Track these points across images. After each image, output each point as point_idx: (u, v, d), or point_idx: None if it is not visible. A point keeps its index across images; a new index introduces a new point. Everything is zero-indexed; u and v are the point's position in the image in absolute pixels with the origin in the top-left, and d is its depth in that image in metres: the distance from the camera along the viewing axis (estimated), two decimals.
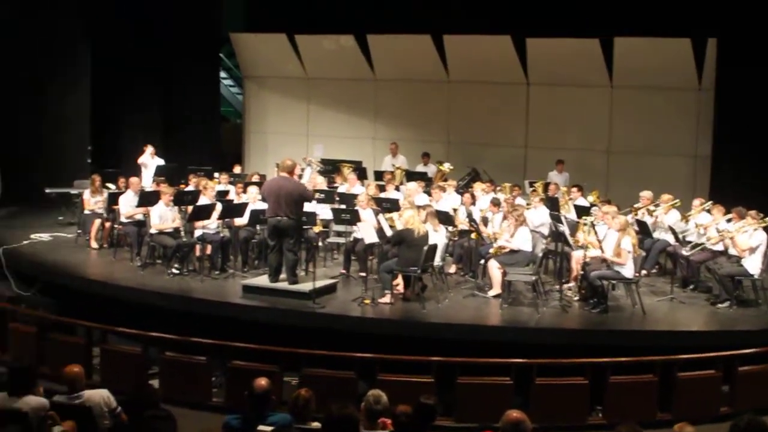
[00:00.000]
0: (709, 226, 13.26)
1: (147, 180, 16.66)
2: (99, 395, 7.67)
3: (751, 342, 10.76)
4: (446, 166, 17.71)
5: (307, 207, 12.69)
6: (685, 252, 13.19)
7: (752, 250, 12.21)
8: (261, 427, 6.56)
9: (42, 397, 7.34)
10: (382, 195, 15.30)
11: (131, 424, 6.96)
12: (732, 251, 12.68)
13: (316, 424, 6.75)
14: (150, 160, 17.57)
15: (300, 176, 13.94)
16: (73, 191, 17.17)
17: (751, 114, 16.70)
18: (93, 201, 15.28)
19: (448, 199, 15.17)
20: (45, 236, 15.78)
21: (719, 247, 12.97)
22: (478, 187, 15.74)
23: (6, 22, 18.35)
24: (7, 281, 14.09)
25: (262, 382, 7.03)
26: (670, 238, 13.63)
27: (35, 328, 11.47)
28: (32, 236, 15.64)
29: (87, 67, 20.28)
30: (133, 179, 14.98)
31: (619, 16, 18.48)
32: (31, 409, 6.92)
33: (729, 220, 13.15)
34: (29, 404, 6.97)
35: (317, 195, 13.26)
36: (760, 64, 16.51)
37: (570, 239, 12.73)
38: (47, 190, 17.53)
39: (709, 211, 13.79)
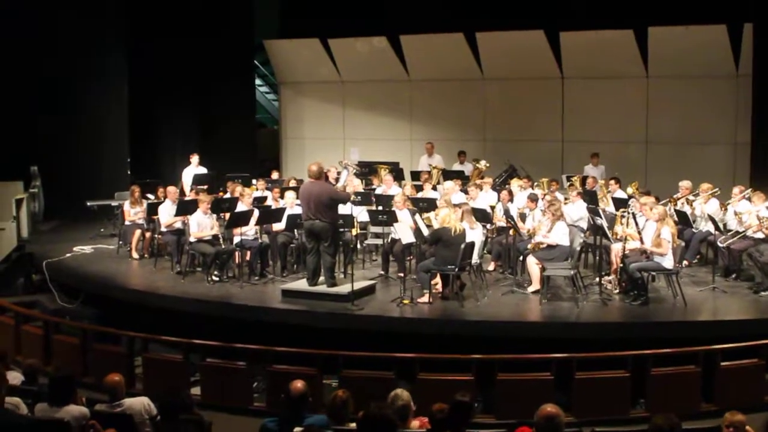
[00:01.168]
0: (746, 213, 13.08)
1: (187, 188, 16.83)
2: (140, 403, 7.76)
3: None
4: (482, 164, 17.68)
5: (344, 209, 12.71)
6: (720, 243, 13.04)
7: None
8: (297, 429, 6.58)
9: (83, 406, 7.44)
10: (419, 195, 15.30)
11: (164, 428, 7.01)
12: None
13: (353, 425, 6.76)
14: (194, 169, 17.75)
15: (337, 179, 14.03)
16: (114, 203, 17.34)
17: None
18: (133, 212, 15.42)
19: (486, 197, 15.13)
20: (87, 248, 15.96)
21: (760, 235, 12.81)
22: (515, 184, 15.70)
23: (43, 38, 18.60)
24: (52, 294, 14.31)
25: (299, 384, 7.07)
26: (711, 228, 13.49)
27: (79, 339, 11.61)
28: (75, 249, 15.83)
29: (124, 78, 20.55)
30: (171, 188, 15.10)
31: (653, 5, 18.40)
32: (72, 418, 7.00)
33: None
34: (71, 413, 7.05)
35: (353, 197, 13.26)
36: None
37: (608, 232, 12.64)
38: (88, 203, 17.72)
39: (749, 198, 13.62)
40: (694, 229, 13.82)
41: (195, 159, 17.96)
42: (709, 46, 18.09)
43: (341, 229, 12.80)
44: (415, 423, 7.15)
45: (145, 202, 15.55)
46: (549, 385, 9.77)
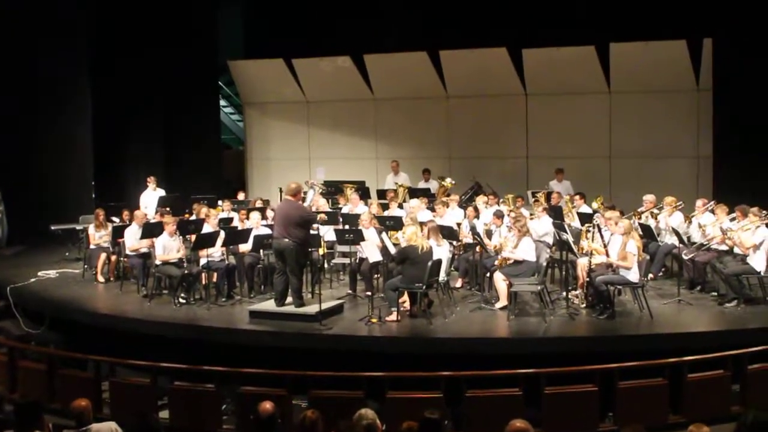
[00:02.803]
0: (708, 226, 13.24)
1: (150, 212, 16.74)
2: (107, 428, 7.70)
3: (760, 340, 10.68)
4: (448, 181, 17.74)
5: (312, 230, 12.70)
6: (684, 255, 13.18)
7: (756, 248, 12.20)
8: None
9: None
10: (386, 213, 15.32)
11: None
12: (737, 250, 12.66)
13: None
14: (151, 192, 17.67)
15: (303, 199, 13.99)
16: (79, 227, 17.24)
17: (750, 112, 16.66)
18: (98, 235, 15.33)
19: (452, 214, 15.18)
20: (52, 273, 15.81)
21: (724, 247, 12.96)
22: (480, 201, 15.77)
23: (8, 59, 18.47)
24: (16, 320, 14.13)
25: (267, 405, 7.04)
26: (675, 241, 13.62)
27: (45, 364, 11.50)
28: (39, 274, 15.66)
29: (88, 101, 20.43)
30: (138, 212, 15.01)
31: (614, 22, 18.64)
32: None
33: (733, 219, 13.13)
34: None
35: (320, 216, 13.26)
36: (757, 62, 16.50)
37: (574, 247, 12.72)
38: (53, 227, 17.63)
39: (712, 211, 13.77)
40: (659, 243, 13.95)
41: (152, 182, 17.90)
42: (669, 62, 18.33)
43: (310, 249, 12.77)
44: None
45: (110, 225, 15.46)
46: (518, 400, 9.79)
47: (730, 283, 12.36)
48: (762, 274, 12.30)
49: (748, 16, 16.68)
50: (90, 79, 20.46)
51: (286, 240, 11.84)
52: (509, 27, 19.57)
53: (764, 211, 12.57)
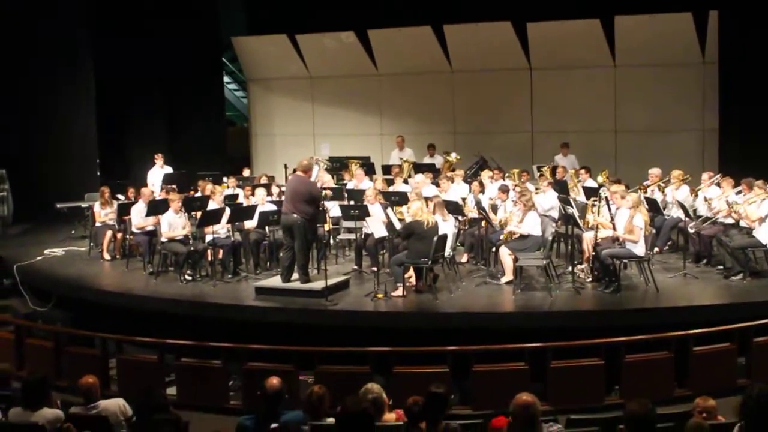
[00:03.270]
0: (714, 199, 13.21)
1: (157, 189, 16.75)
2: (115, 404, 7.76)
3: (766, 312, 10.67)
4: (453, 156, 17.69)
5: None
6: (690, 228, 13.16)
7: (762, 221, 12.17)
8: (273, 426, 6.58)
9: (58, 409, 7.40)
10: (391, 189, 15.31)
11: (140, 429, 6.99)
12: (743, 223, 12.63)
13: (330, 420, 6.76)
14: (159, 170, 17.67)
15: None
16: (84, 205, 17.24)
17: (756, 84, 16.63)
18: (103, 213, 15.32)
19: (457, 189, 15.18)
20: (58, 251, 15.84)
21: (730, 220, 12.94)
22: (485, 175, 15.74)
23: (10, 40, 18.42)
24: (23, 298, 14.19)
25: (274, 381, 7.06)
26: (681, 214, 13.59)
27: (52, 342, 11.55)
28: (45, 252, 15.68)
29: (91, 80, 20.39)
30: (145, 190, 15.01)
31: None
32: (47, 421, 6.98)
33: (739, 192, 13.10)
34: (45, 417, 7.02)
35: (325, 192, 13.24)
36: (762, 35, 16.43)
37: (580, 221, 12.70)
38: (58, 205, 17.62)
39: (718, 184, 13.75)
40: (665, 216, 13.93)
41: (160, 159, 17.88)
42: (675, 35, 18.22)
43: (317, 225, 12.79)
44: (391, 416, 7.16)
45: (115, 203, 15.46)
46: (524, 374, 9.83)
47: (735, 256, 12.34)
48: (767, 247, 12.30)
49: None
50: (93, 57, 20.37)
51: (295, 215, 11.84)
52: (514, 1, 19.45)
53: None
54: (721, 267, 12.80)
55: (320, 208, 12.57)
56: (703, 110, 18.52)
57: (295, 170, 12.50)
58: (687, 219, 13.41)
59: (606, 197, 12.70)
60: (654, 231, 13.06)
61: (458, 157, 17.78)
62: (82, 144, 20.20)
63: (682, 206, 13.34)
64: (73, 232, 17.25)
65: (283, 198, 12.65)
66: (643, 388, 9.44)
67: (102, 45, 20.37)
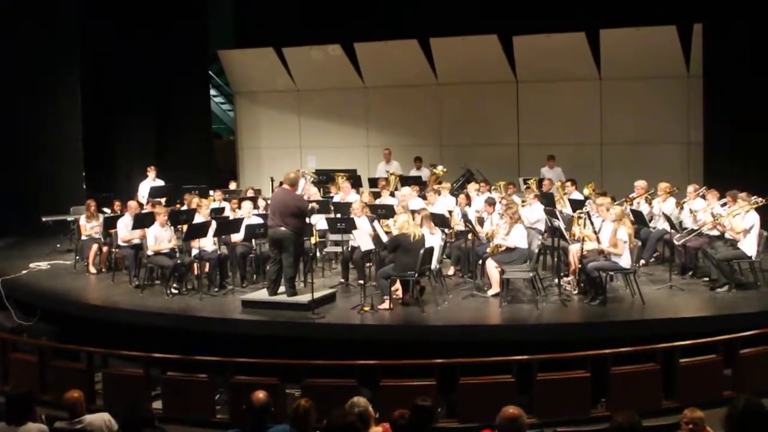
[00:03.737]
0: (701, 211, 13.26)
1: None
2: (100, 419, 7.70)
3: (751, 324, 10.71)
4: (439, 169, 17.74)
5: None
6: (675, 241, 13.20)
7: (746, 232, 12.23)
8: None
9: (43, 424, 7.36)
10: (377, 201, 15.32)
11: None
12: (728, 235, 12.69)
13: None
14: (151, 183, 17.63)
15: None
16: (70, 218, 17.20)
17: (740, 97, 16.70)
18: (89, 226, 15.29)
19: (444, 202, 15.18)
20: (44, 264, 15.78)
21: (715, 232, 12.99)
22: (472, 188, 15.77)
23: None
24: (8, 312, 14.10)
25: (260, 395, 7.04)
26: (667, 226, 13.64)
27: (37, 356, 11.47)
28: (31, 265, 15.64)
29: (77, 93, 20.31)
30: (131, 203, 14.95)
31: (604, 8, 18.60)
32: None
33: (724, 204, 13.16)
34: None
35: (312, 206, 13.22)
36: (747, 48, 16.52)
37: (566, 233, 12.73)
38: (44, 219, 17.56)
39: (703, 196, 13.80)
40: (651, 228, 13.99)
41: (152, 172, 17.86)
42: (660, 47, 18.33)
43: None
44: (377, 429, 7.14)
45: (101, 216, 15.42)
46: (511, 387, 9.81)
47: (721, 268, 12.39)
48: (753, 258, 12.35)
49: (737, 1, 16.70)
50: (79, 70, 20.34)
51: (283, 229, 11.81)
52: (500, 14, 19.55)
53: (753, 196, 12.58)
54: (707, 279, 12.87)
55: (307, 222, 12.55)
56: (688, 123, 18.61)
57: (281, 183, 12.49)
58: (672, 231, 13.46)
59: (588, 213, 12.74)
60: (639, 243, 13.09)
61: (444, 169, 17.82)
62: (68, 157, 20.10)
63: (668, 218, 13.40)
64: (58, 245, 17.19)
65: (269, 211, 12.59)
66: (629, 400, 9.41)
67: (88, 58, 20.34)
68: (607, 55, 18.82)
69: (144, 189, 17.57)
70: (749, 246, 12.23)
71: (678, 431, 6.51)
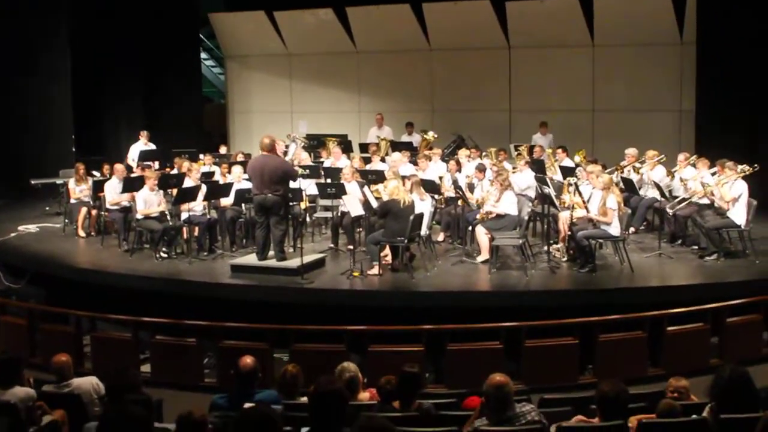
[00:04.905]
0: (691, 180, 13.27)
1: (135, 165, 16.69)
2: (88, 382, 7.71)
3: (739, 293, 10.77)
4: (430, 135, 17.68)
5: (293, 183, 12.61)
6: (668, 209, 13.21)
7: (735, 201, 12.23)
8: (247, 405, 6.56)
9: (30, 387, 7.36)
10: (368, 167, 15.27)
11: (110, 409, 6.95)
12: (717, 204, 12.69)
13: (304, 399, 6.76)
14: (142, 146, 17.54)
15: (285, 153, 13.93)
16: (59, 181, 17.12)
17: (733, 65, 16.63)
18: (78, 190, 15.23)
19: (435, 168, 15.14)
20: (32, 227, 15.74)
21: (705, 201, 13.00)
22: (463, 154, 15.73)
23: None
24: None
25: (248, 360, 7.06)
26: (657, 195, 13.65)
27: (25, 319, 11.46)
28: (20, 228, 15.60)
29: (67, 56, 20.14)
30: (118, 166, 14.87)
31: None
32: (18, 400, 6.91)
33: (714, 173, 13.16)
34: (17, 395, 6.96)
35: (301, 171, 13.16)
36: (740, 15, 16.43)
37: (556, 201, 12.72)
38: (33, 182, 17.51)
39: (694, 165, 13.79)
40: (641, 196, 13.99)
41: (144, 137, 17.75)
42: (653, 14, 18.24)
43: (290, 203, 12.71)
44: (365, 395, 7.18)
45: (90, 180, 15.37)
46: (499, 353, 9.83)
47: (710, 236, 12.42)
48: (742, 227, 12.36)
49: None
50: (69, 33, 20.13)
51: (270, 196, 11.75)
52: None
53: (740, 165, 12.57)
54: (696, 247, 12.90)
55: (294, 185, 12.48)
56: (680, 91, 18.54)
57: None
58: (662, 199, 13.48)
59: (576, 183, 12.72)
60: (629, 211, 13.10)
61: (436, 135, 17.77)
62: (58, 120, 19.96)
63: (658, 186, 13.40)
64: (47, 208, 17.15)
65: (251, 179, 12.42)
66: (616, 368, 9.50)
67: (78, 20, 20.16)
68: (601, 21, 18.71)
69: (134, 152, 17.48)
70: (738, 215, 12.24)
71: (663, 399, 6.52)
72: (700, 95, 17.69)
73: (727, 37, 16.65)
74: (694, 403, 6.69)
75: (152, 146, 17.80)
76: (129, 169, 15.67)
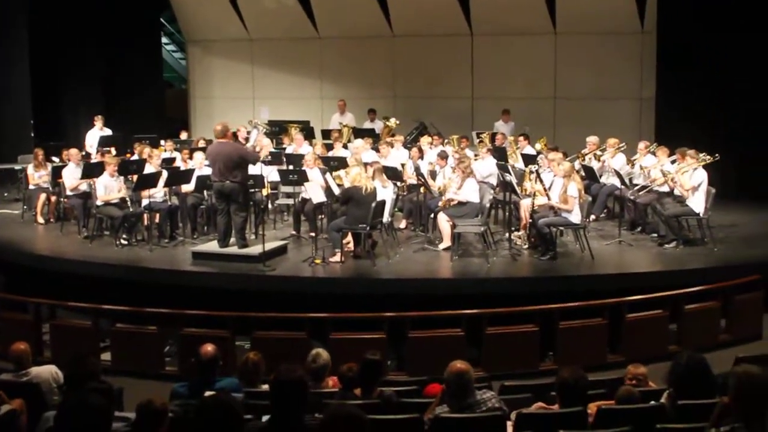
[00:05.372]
0: (652, 168, 13.39)
1: (94, 151, 16.52)
2: (48, 371, 7.64)
3: (697, 280, 10.92)
4: (392, 122, 17.69)
5: (255, 169, 12.56)
6: (630, 196, 13.32)
7: (694, 189, 12.36)
8: (208, 393, 6.53)
9: None
10: (330, 153, 15.24)
11: (69, 398, 6.90)
12: (677, 192, 12.82)
13: (266, 387, 6.75)
14: (98, 132, 17.37)
15: (247, 139, 13.86)
16: (17, 167, 16.94)
17: (693, 54, 16.73)
18: (37, 175, 15.06)
19: (397, 155, 15.14)
20: None
21: (665, 189, 13.12)
22: (425, 141, 15.74)
23: None
24: None
25: (209, 348, 7.03)
26: (617, 182, 13.75)
27: None
28: None
29: (25, 39, 19.84)
30: (73, 151, 14.73)
31: None
32: None
33: (674, 161, 13.28)
34: None
35: (264, 157, 13.10)
36: (699, 5, 16.55)
37: (517, 188, 12.78)
38: None
39: (654, 153, 13.91)
40: (602, 184, 14.08)
41: (99, 121, 17.57)
42: (614, 2, 18.32)
43: (252, 190, 12.65)
44: (328, 382, 7.18)
45: (49, 165, 15.20)
46: (460, 341, 9.88)
47: (669, 224, 12.55)
48: (701, 215, 12.49)
49: None
50: (27, 15, 19.87)
51: (229, 183, 11.70)
52: None
53: (701, 154, 12.70)
54: (656, 235, 13.02)
55: (255, 171, 12.42)
56: (641, 79, 18.64)
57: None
58: (623, 187, 13.59)
59: (537, 171, 12.78)
60: (590, 198, 13.19)
61: (398, 122, 17.78)
62: (16, 105, 19.71)
63: (618, 174, 13.50)
64: (6, 194, 16.99)
65: (210, 166, 12.38)
66: (576, 355, 9.59)
67: (37, 3, 19.86)
68: (563, 9, 18.76)
69: (92, 138, 17.31)
70: (697, 203, 12.37)
71: (622, 386, 6.59)
72: (660, 84, 17.80)
73: (687, 26, 16.74)
74: (652, 389, 6.78)
75: (108, 131, 17.62)
76: (87, 155, 15.50)
